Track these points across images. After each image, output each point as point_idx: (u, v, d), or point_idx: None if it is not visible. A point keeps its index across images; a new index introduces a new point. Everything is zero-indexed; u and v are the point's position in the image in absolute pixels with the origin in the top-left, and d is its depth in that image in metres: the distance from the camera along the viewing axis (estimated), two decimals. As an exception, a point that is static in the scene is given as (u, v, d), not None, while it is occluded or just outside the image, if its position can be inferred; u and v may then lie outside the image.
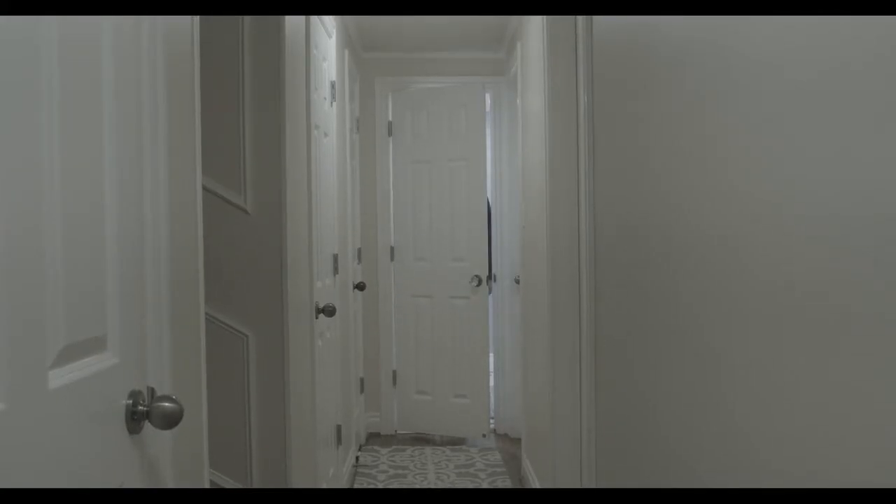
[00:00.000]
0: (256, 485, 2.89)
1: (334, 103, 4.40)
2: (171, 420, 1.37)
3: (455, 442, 5.88)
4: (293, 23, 3.09)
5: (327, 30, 4.12)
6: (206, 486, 1.83)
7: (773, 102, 1.24)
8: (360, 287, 5.46)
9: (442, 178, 5.92)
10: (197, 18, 1.81)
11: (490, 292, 6.10)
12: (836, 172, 1.03)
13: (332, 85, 4.31)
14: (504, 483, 4.79)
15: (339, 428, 4.35)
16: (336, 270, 4.37)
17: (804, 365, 1.13)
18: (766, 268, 1.26)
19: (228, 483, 2.87)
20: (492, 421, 6.15)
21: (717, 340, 1.50)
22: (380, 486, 4.75)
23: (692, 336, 1.65)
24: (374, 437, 6.04)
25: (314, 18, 3.56)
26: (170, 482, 1.56)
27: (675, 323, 1.77)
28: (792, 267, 1.17)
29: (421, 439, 5.96)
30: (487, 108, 6.17)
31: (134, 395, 1.36)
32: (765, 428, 1.27)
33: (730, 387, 1.43)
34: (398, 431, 6.14)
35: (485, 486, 4.74)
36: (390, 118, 6.04)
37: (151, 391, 1.45)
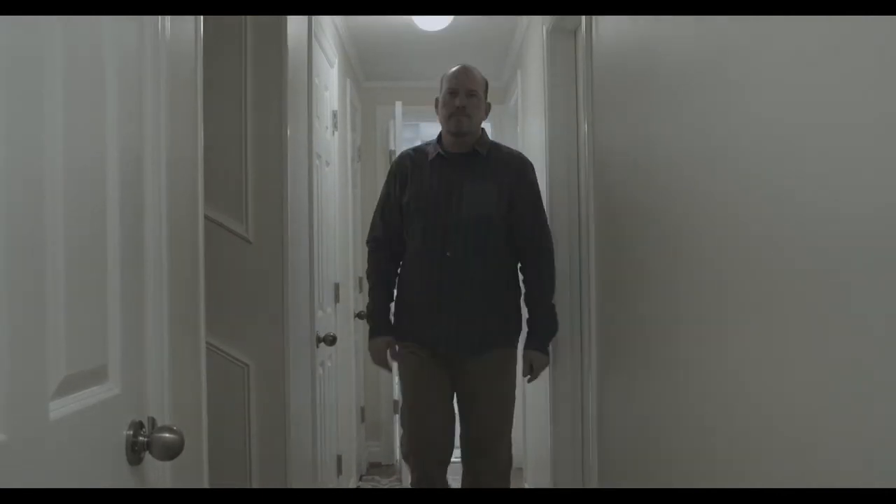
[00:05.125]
0: (257, 515, 2.86)
1: (336, 132, 4.42)
2: (171, 451, 1.36)
3: (457, 471, 5.83)
4: (295, 52, 3.11)
5: (329, 59, 4.14)
6: (207, 517, 1.82)
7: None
8: (361, 316, 5.44)
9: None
10: (200, 44, 1.81)
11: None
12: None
13: (334, 114, 4.33)
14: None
15: (339, 457, 4.33)
16: (337, 299, 4.37)
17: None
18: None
19: (229, 514, 2.84)
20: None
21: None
22: (381, 516, 4.70)
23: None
24: (374, 467, 6.00)
25: (316, 48, 3.59)
26: (170, 514, 1.54)
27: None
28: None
29: (422, 469, 5.92)
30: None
31: (134, 425, 1.35)
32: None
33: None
34: (399, 461, 6.10)
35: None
36: (392, 147, 6.06)
37: (152, 421, 1.44)
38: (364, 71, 5.82)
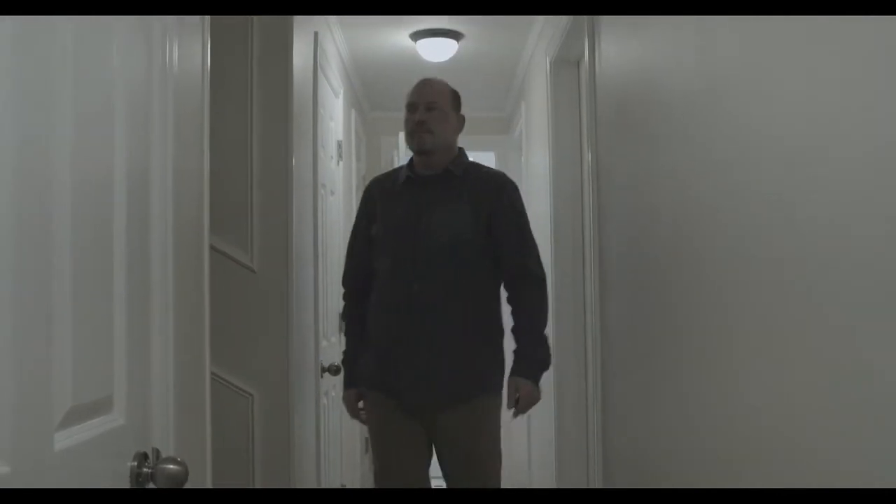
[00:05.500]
0: (260, 547, 2.84)
1: (341, 162, 4.44)
2: (175, 482, 1.35)
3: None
4: (300, 82, 3.14)
5: (334, 90, 4.17)
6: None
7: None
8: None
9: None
10: (207, 73, 1.83)
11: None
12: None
13: (339, 144, 4.36)
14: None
15: (343, 487, 4.30)
16: (341, 329, 4.36)
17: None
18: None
19: (232, 545, 2.82)
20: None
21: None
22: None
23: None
24: (378, 498, 5.94)
25: (321, 78, 3.61)
26: (173, 545, 1.53)
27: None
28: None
29: (426, 500, 5.87)
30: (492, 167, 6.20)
31: (139, 456, 1.35)
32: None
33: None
34: (403, 491, 6.04)
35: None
36: (396, 176, 6.07)
37: (156, 452, 1.43)
38: (369, 101, 5.85)
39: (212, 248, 1.92)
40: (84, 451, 1.14)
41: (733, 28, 1.44)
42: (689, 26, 1.71)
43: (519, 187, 2.96)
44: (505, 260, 2.79)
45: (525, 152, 5.05)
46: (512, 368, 2.78)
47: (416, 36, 4.45)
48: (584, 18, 2.80)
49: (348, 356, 2.93)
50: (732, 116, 1.45)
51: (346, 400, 2.96)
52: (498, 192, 2.83)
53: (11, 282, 0.94)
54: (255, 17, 2.92)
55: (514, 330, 2.81)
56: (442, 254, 2.69)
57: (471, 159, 2.92)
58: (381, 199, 2.89)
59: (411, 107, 2.83)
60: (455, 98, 2.92)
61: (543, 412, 3.82)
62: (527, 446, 5.25)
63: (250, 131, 2.87)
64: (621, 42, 2.38)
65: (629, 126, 2.28)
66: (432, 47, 4.50)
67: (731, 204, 1.46)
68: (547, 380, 3.87)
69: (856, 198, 1.00)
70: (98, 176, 1.23)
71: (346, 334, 2.96)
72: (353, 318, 2.93)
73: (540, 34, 4.18)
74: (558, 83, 3.64)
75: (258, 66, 2.92)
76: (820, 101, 1.11)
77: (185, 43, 1.65)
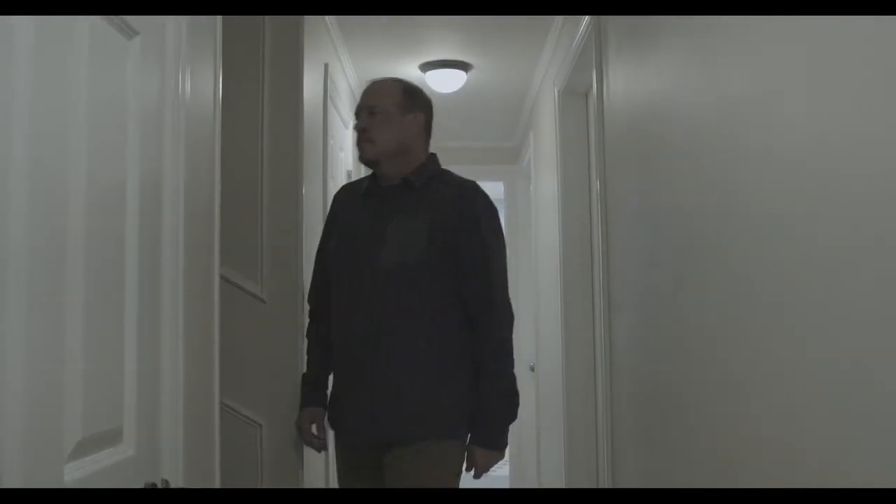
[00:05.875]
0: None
1: (350, 192, 4.45)
2: (184, 513, 1.35)
3: None
4: (310, 113, 3.16)
5: (344, 120, 4.20)
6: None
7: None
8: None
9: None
10: (219, 100, 1.84)
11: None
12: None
13: (349, 174, 4.38)
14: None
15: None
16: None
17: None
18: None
19: (239, 577, 2.80)
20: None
21: None
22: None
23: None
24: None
25: (331, 108, 3.64)
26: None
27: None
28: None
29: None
30: (500, 196, 6.23)
31: (148, 487, 1.35)
32: None
33: None
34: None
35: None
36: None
37: (166, 483, 1.43)
38: (378, 131, 5.88)
39: (221, 278, 1.93)
40: (94, 482, 1.14)
41: (740, 58, 1.45)
42: (696, 57, 1.72)
43: (495, 205, 2.53)
44: (465, 287, 2.36)
45: (534, 181, 5.06)
46: (471, 430, 2.35)
47: (426, 67, 4.49)
48: (592, 51, 2.82)
49: (305, 378, 2.63)
50: (739, 145, 1.46)
51: (297, 422, 2.65)
52: (462, 207, 2.39)
53: (25, 313, 0.94)
54: (267, 48, 2.95)
55: (478, 375, 2.35)
56: (391, 277, 2.33)
57: (443, 167, 2.56)
58: (342, 210, 2.57)
59: (355, 113, 2.54)
60: (409, 96, 2.54)
61: (552, 442, 3.80)
62: (535, 470, 5.23)
63: (261, 161, 2.89)
64: (629, 73, 2.39)
65: (637, 155, 2.29)
66: (441, 78, 4.53)
67: (737, 231, 1.46)
68: (557, 405, 3.85)
69: (866, 225, 1.00)
70: (110, 206, 1.24)
71: (307, 355, 2.66)
72: (313, 339, 2.62)
73: (548, 65, 4.20)
74: (566, 113, 3.66)
75: (269, 96, 2.94)
76: (827, 130, 1.11)
77: (198, 71, 1.67)
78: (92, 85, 1.16)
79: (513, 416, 2.39)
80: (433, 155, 2.55)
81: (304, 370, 2.67)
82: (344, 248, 2.46)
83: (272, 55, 2.96)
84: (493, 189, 6.79)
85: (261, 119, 2.91)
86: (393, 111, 2.46)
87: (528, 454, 5.85)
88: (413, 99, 2.54)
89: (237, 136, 2.82)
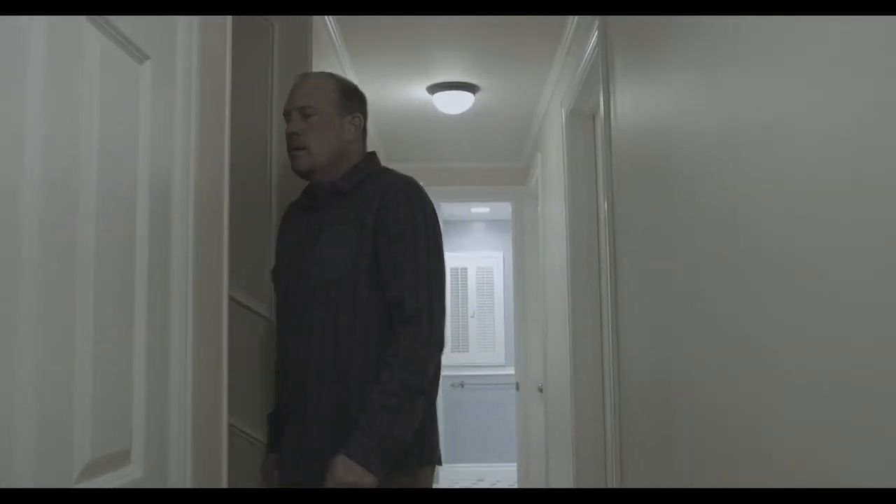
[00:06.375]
0: None
1: (358, 213, 4.46)
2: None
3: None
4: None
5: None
6: None
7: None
8: None
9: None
10: (229, 118, 1.85)
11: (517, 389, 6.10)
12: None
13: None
14: None
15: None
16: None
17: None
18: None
19: None
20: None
21: None
22: None
23: None
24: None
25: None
26: None
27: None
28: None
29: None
30: (508, 217, 6.24)
31: (156, 509, 1.35)
32: None
33: None
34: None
35: None
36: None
37: None
38: (386, 153, 5.91)
39: (230, 298, 1.93)
40: None
41: (747, 81, 1.46)
42: (703, 79, 1.73)
43: (430, 200, 2.16)
44: (385, 293, 2.04)
45: (541, 202, 5.07)
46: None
47: (433, 89, 4.51)
48: (599, 72, 2.83)
49: (270, 419, 2.29)
50: (746, 167, 1.46)
51: (260, 469, 2.40)
52: (387, 204, 2.07)
53: (35, 337, 0.95)
54: (276, 69, 2.97)
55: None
56: (320, 297, 2.06)
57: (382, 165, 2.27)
58: (283, 230, 2.33)
59: (285, 114, 2.20)
60: (347, 96, 2.22)
61: (561, 464, 3.78)
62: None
63: (269, 181, 2.90)
64: (636, 95, 2.40)
65: (644, 177, 2.30)
66: (449, 100, 4.56)
67: (745, 252, 1.46)
68: (565, 426, 3.84)
69: (876, 246, 1.01)
70: (120, 228, 1.25)
71: (276, 390, 2.28)
72: (278, 371, 2.30)
73: (555, 87, 4.22)
74: (574, 135, 3.67)
75: (278, 117, 2.96)
76: (834, 153, 1.11)
77: (207, 90, 1.68)
78: (103, 108, 1.17)
79: (392, 437, 1.92)
80: (371, 154, 2.27)
81: (271, 409, 2.38)
82: (281, 269, 2.24)
83: (280, 76, 2.98)
84: (501, 209, 6.83)
85: (269, 139, 2.93)
86: (330, 113, 2.17)
87: (536, 476, 5.83)
88: (351, 99, 2.23)
89: (245, 156, 2.84)
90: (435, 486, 2.58)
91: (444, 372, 2.19)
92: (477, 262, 7.89)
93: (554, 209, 4.36)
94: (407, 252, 2.03)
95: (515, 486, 6.01)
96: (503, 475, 7.14)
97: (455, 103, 4.59)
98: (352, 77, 4.25)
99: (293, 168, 2.18)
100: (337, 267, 2.06)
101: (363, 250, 2.05)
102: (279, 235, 2.34)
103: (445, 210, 7.53)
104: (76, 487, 1.07)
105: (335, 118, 2.17)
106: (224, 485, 1.79)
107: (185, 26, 1.53)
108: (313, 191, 2.21)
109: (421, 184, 2.20)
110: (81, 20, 1.09)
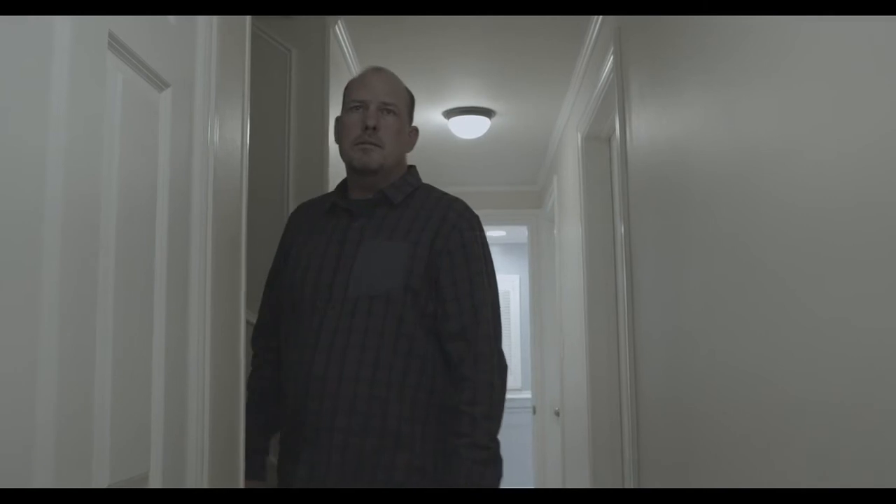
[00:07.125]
0: None
1: (374, 236, 4.48)
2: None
3: None
4: (335, 160, 3.20)
5: (368, 166, 4.24)
6: None
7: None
8: None
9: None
10: (246, 146, 1.87)
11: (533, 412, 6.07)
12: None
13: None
14: None
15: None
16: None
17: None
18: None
19: None
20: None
21: None
22: None
23: None
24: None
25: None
26: None
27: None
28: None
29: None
30: (524, 240, 6.25)
31: (173, 533, 1.35)
32: None
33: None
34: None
35: None
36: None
37: (190, 529, 1.43)
38: (402, 176, 5.94)
39: (247, 322, 1.94)
40: (120, 528, 1.15)
41: (762, 104, 1.46)
42: (718, 101, 1.74)
43: (481, 223, 2.06)
44: (444, 323, 1.93)
45: (558, 225, 5.07)
46: None
47: (449, 114, 4.54)
48: (615, 96, 2.84)
49: (246, 444, 1.85)
50: (761, 191, 1.46)
51: None
52: (448, 226, 1.98)
53: (56, 361, 0.96)
54: (293, 96, 3.00)
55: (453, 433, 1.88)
56: (360, 311, 1.91)
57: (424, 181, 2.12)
58: (301, 232, 2.12)
59: (360, 106, 2.02)
60: (412, 104, 2.15)
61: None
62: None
63: (286, 206, 2.92)
64: (651, 119, 2.41)
65: (660, 200, 2.30)
66: (465, 125, 4.58)
67: (761, 275, 1.46)
68: (582, 451, 3.81)
69: (893, 267, 1.00)
70: (139, 254, 1.26)
71: (246, 412, 1.84)
72: (254, 390, 2.07)
73: (571, 111, 4.24)
74: (589, 158, 3.68)
75: (294, 144, 2.99)
76: (850, 174, 1.11)
77: (226, 117, 1.70)
78: (124, 135, 1.19)
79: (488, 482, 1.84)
80: (413, 168, 2.14)
81: (245, 434, 1.91)
82: (302, 277, 2.01)
83: (297, 103, 3.01)
84: (518, 233, 6.84)
85: (286, 165, 2.95)
86: (405, 118, 2.08)
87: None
88: (413, 110, 2.17)
89: (262, 183, 2.86)
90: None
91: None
92: (493, 286, 7.87)
93: (570, 232, 4.36)
94: (474, 281, 1.95)
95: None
96: (520, 500, 7.08)
97: (471, 128, 4.61)
98: (368, 102, 4.27)
99: (359, 161, 1.99)
100: (384, 283, 1.91)
101: (416, 271, 1.92)
102: (292, 236, 2.14)
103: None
104: (90, 488, 1.07)
105: (406, 125, 2.09)
106: (241, 509, 1.79)
107: (204, 51, 1.55)
108: (355, 198, 2.05)
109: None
110: (103, 48, 1.11)
